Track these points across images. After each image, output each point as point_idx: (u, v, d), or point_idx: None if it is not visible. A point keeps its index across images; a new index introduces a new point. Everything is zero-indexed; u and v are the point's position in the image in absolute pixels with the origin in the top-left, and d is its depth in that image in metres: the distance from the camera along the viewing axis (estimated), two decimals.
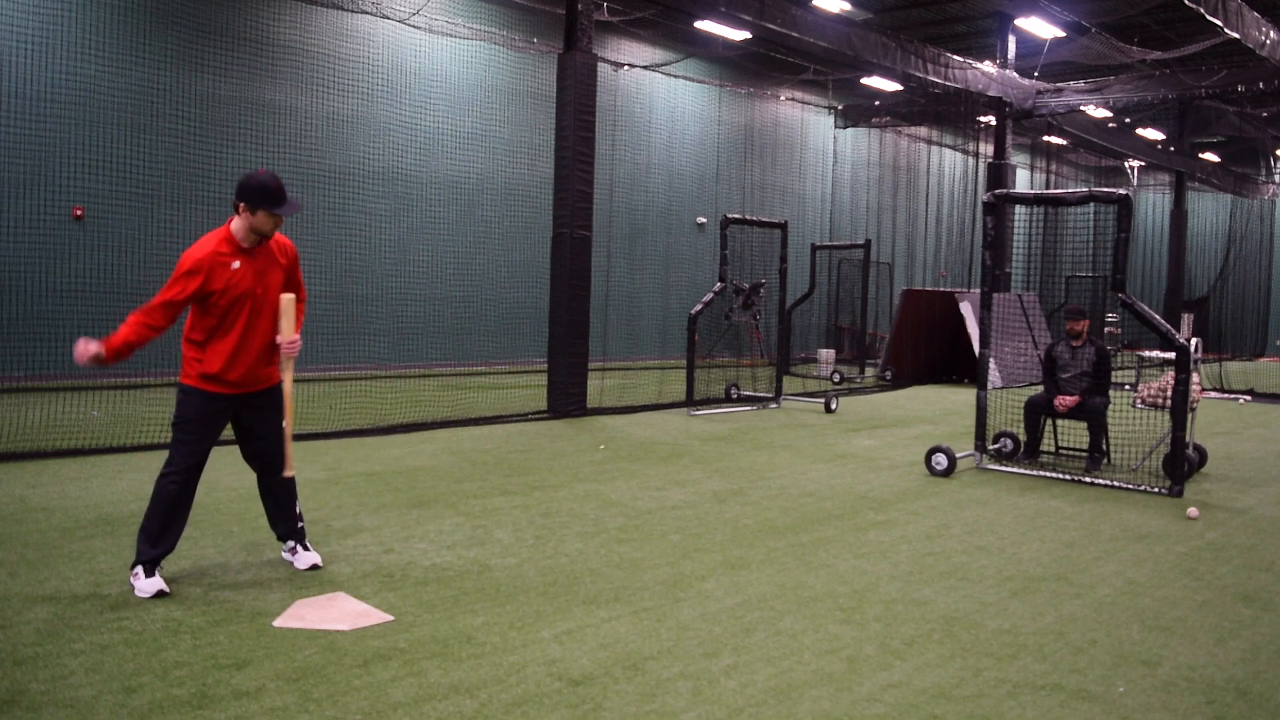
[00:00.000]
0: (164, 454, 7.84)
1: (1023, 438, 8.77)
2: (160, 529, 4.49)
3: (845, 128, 23.50)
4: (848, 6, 16.09)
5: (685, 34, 17.78)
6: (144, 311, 4.43)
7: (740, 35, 16.41)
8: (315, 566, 4.87)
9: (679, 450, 8.92)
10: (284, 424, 4.71)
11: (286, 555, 4.97)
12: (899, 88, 20.07)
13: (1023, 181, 27.46)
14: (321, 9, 13.98)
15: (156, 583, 4.42)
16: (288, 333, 4.61)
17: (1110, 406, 8.58)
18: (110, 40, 12.38)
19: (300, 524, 4.97)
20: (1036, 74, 18.86)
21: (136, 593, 4.40)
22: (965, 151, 22.14)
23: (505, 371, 15.82)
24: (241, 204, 4.45)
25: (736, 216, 12.27)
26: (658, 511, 6.38)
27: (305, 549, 4.95)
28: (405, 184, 15.24)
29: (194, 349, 4.53)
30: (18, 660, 3.61)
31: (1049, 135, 23.78)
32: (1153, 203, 30.12)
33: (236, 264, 4.48)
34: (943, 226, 21.52)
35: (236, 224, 4.51)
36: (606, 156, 16.39)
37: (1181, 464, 7.36)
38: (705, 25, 15.91)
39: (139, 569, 4.46)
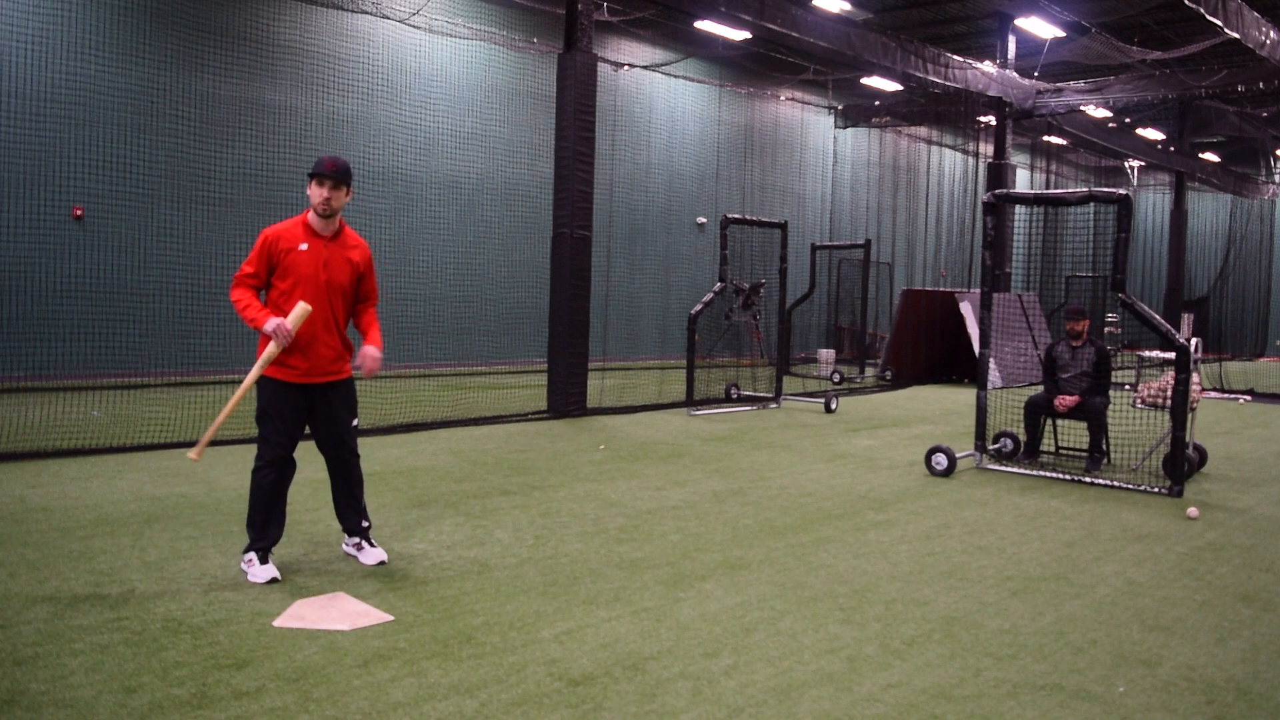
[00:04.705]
0: (164, 454, 7.89)
1: (1023, 438, 8.76)
2: (263, 520, 4.70)
3: (845, 128, 23.50)
4: (848, 6, 16.08)
5: (685, 34, 17.78)
6: (232, 289, 4.63)
7: (740, 35, 16.41)
8: (381, 563, 4.98)
9: (679, 450, 8.92)
10: (226, 408, 4.51)
11: (350, 550, 5.08)
12: (899, 88, 20.07)
13: (1023, 181, 27.45)
14: (321, 9, 13.98)
15: (270, 570, 4.64)
16: (291, 322, 4.55)
17: (1110, 406, 8.58)
18: (110, 40, 12.38)
19: (366, 522, 5.07)
20: (1036, 74, 18.86)
21: (249, 578, 4.61)
22: (965, 151, 22.14)
23: (505, 371, 15.82)
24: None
25: (736, 216, 12.27)
26: (658, 511, 6.38)
27: (371, 545, 5.07)
28: (405, 184, 15.25)
29: (266, 341, 4.63)
30: (18, 660, 3.61)
31: (1049, 135, 23.78)
32: (1153, 203, 30.13)
33: (305, 245, 4.68)
34: (943, 226, 21.53)
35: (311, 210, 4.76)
36: (606, 156, 16.38)
37: (1181, 464, 7.36)
38: (705, 25, 15.91)
39: (252, 556, 4.69)
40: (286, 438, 4.72)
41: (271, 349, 4.53)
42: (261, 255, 4.61)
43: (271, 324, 4.50)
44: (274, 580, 4.59)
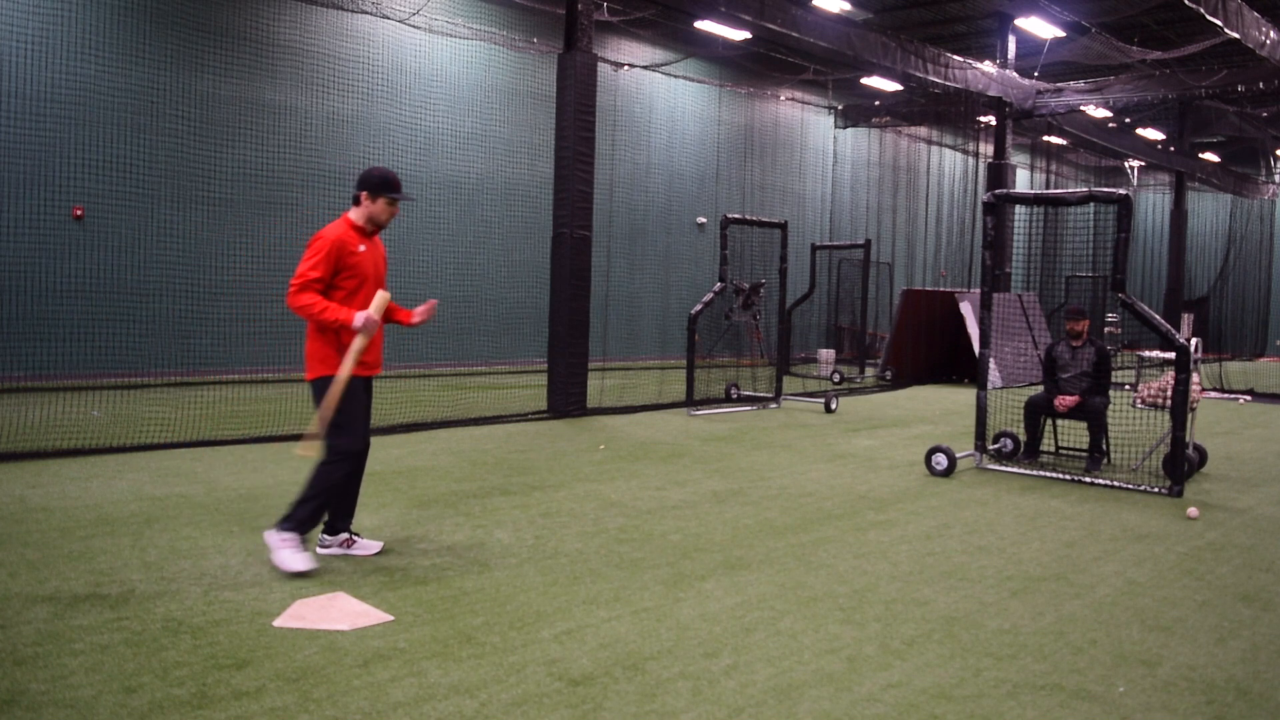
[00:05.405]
0: (164, 454, 7.88)
1: (1023, 438, 8.76)
2: (320, 510, 4.79)
3: (845, 128, 23.50)
4: (848, 6, 16.08)
5: (685, 34, 17.78)
6: (296, 295, 4.65)
7: (740, 35, 16.41)
8: (382, 549, 5.17)
9: (679, 450, 8.92)
10: (328, 402, 4.70)
11: (338, 549, 5.11)
12: (899, 88, 20.07)
13: (1023, 181, 27.45)
14: (321, 9, 13.98)
15: (304, 561, 4.70)
16: (375, 311, 4.80)
17: (1110, 406, 8.58)
18: (110, 40, 12.38)
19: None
20: (1036, 74, 18.86)
21: (284, 564, 4.67)
22: (965, 151, 22.14)
23: (505, 371, 15.82)
24: (364, 193, 4.87)
25: (736, 216, 12.26)
26: (658, 511, 6.38)
27: (360, 536, 5.26)
28: (405, 184, 15.14)
29: (328, 341, 4.76)
30: (18, 660, 3.61)
31: (1049, 135, 23.78)
32: (1153, 203, 30.12)
33: (362, 247, 4.85)
34: (943, 226, 21.53)
35: (356, 213, 4.91)
36: (606, 156, 16.38)
37: (1181, 464, 7.36)
38: (705, 25, 15.91)
39: (295, 537, 4.71)
40: (366, 430, 4.94)
41: (359, 342, 4.69)
42: (330, 259, 4.70)
43: (361, 318, 4.66)
44: (308, 572, 4.65)
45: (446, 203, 15.73)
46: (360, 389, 4.86)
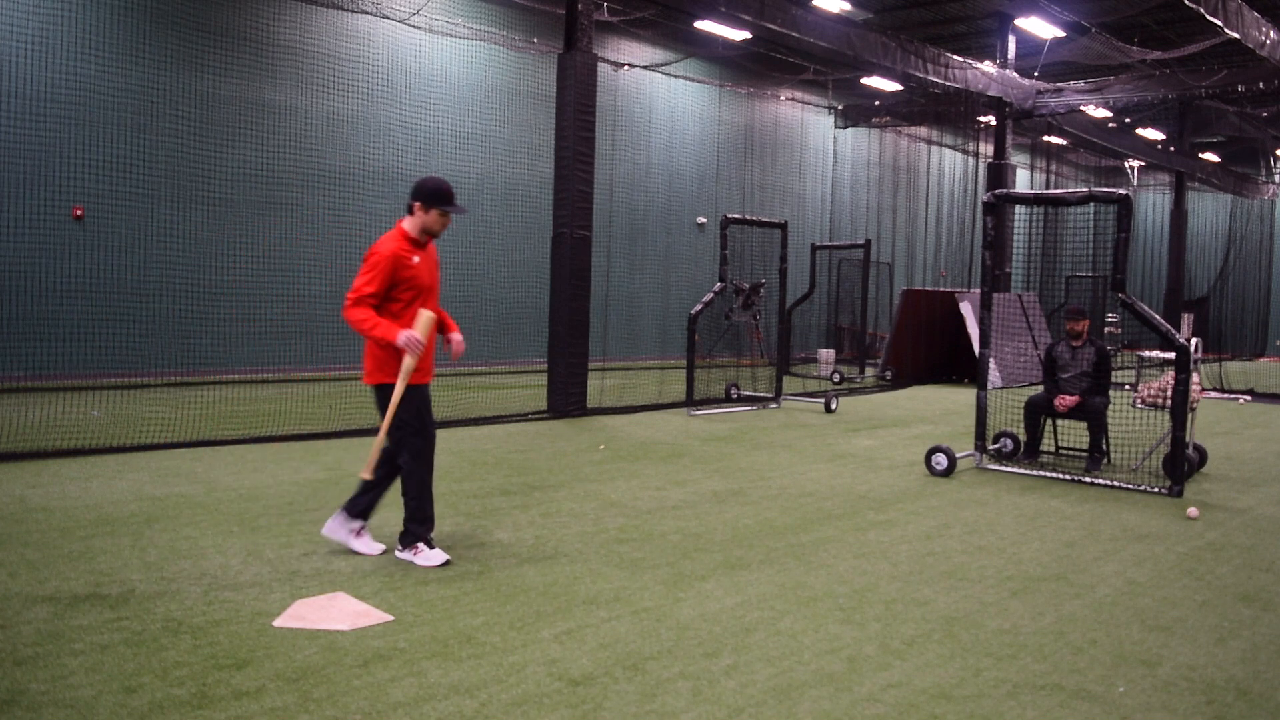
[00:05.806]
0: (164, 454, 7.89)
1: (1023, 438, 8.76)
2: (425, 512, 5.01)
3: (845, 128, 23.50)
4: (848, 6, 16.08)
5: (685, 34, 17.79)
6: (350, 309, 4.75)
7: (740, 35, 16.41)
8: (384, 551, 5.21)
9: (679, 450, 8.92)
10: (384, 424, 4.88)
11: (345, 535, 5.19)
12: (899, 88, 20.07)
13: (1023, 181, 27.45)
14: (321, 9, 13.98)
15: (441, 554, 5.01)
16: (421, 333, 4.84)
17: (1110, 406, 8.58)
18: (110, 40, 12.38)
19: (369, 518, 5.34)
20: (1036, 74, 18.86)
21: (422, 563, 4.92)
22: (965, 151, 22.14)
23: (505, 371, 15.82)
24: (417, 203, 4.89)
25: (736, 216, 12.26)
26: (658, 511, 6.38)
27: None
28: (405, 184, 15.08)
29: (388, 350, 4.83)
30: (18, 660, 3.61)
31: (1049, 135, 23.78)
32: (1153, 203, 30.12)
33: (416, 259, 4.89)
34: (943, 226, 21.53)
35: (410, 223, 4.93)
36: (606, 156, 16.38)
37: (1181, 464, 7.36)
38: (705, 25, 15.91)
39: (421, 545, 4.99)
40: (434, 428, 5.08)
41: (409, 362, 4.76)
42: (385, 275, 4.77)
43: (404, 337, 4.70)
44: (448, 562, 4.95)
45: None
46: (424, 397, 5.01)
